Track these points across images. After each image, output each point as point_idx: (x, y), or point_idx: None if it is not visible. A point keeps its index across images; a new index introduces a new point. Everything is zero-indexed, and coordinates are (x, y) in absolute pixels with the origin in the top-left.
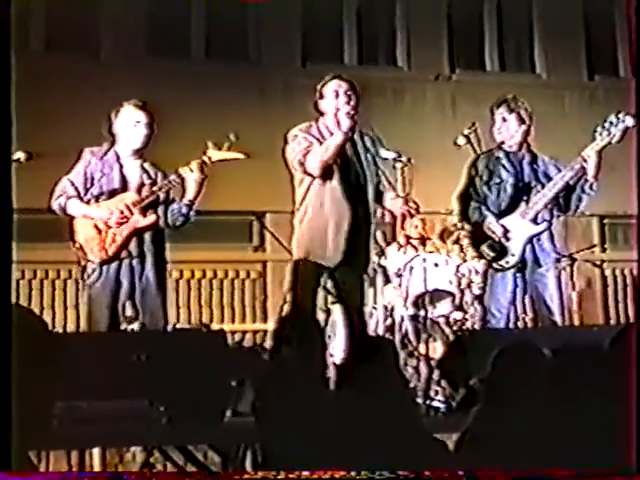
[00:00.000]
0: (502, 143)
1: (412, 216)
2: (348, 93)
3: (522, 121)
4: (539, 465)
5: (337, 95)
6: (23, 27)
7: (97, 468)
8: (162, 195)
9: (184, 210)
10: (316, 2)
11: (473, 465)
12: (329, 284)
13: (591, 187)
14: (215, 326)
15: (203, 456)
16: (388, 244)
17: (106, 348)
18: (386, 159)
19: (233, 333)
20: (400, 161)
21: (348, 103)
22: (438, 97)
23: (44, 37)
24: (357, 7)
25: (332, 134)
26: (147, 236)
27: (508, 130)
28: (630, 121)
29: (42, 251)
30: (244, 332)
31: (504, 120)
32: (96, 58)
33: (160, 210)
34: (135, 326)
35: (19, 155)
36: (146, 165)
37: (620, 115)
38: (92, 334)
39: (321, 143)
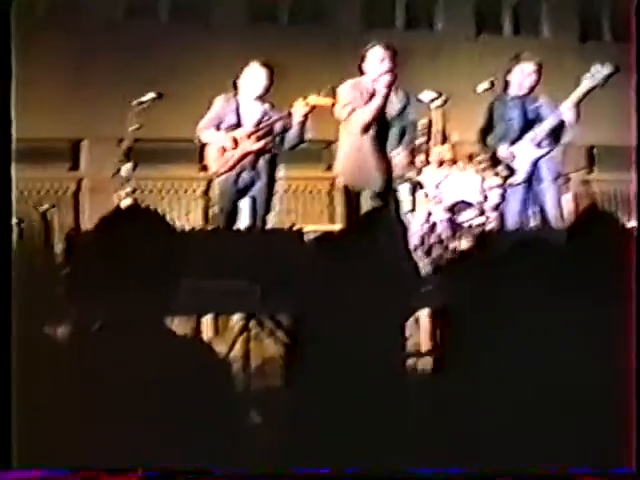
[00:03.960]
0: (515, 88)
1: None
2: (388, 61)
3: (534, 71)
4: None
5: (381, 61)
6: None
7: (210, 330)
8: (277, 127)
9: (297, 132)
10: None
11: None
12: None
13: (570, 127)
14: (295, 226)
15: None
16: (427, 164)
17: (219, 238)
18: (424, 101)
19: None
20: (439, 100)
21: (389, 71)
22: (467, 54)
23: (169, 7)
24: None
25: (373, 92)
26: (262, 158)
27: (521, 78)
28: (609, 68)
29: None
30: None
31: (522, 71)
32: (207, 27)
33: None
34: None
35: (151, 95)
36: (265, 106)
37: (602, 65)
38: (209, 231)
39: (366, 96)
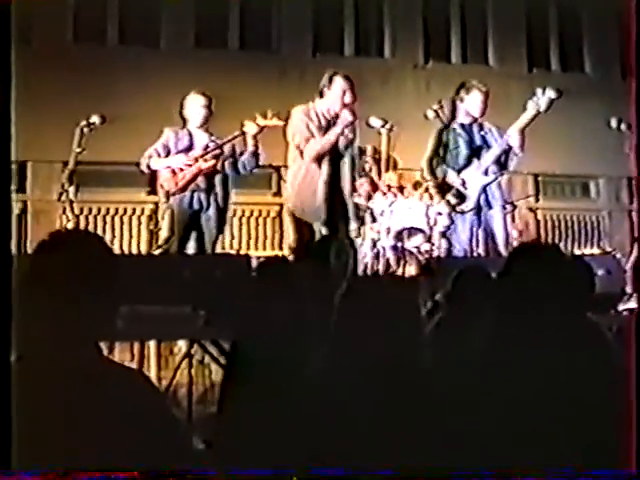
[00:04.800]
0: (462, 116)
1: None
2: (353, 92)
3: (481, 99)
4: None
5: (344, 93)
6: (102, 24)
7: (153, 357)
8: (227, 149)
9: (252, 155)
10: (323, 6)
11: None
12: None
13: (515, 154)
14: (242, 252)
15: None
16: (374, 191)
17: (163, 266)
18: (374, 127)
19: (258, 258)
20: (385, 127)
21: (352, 103)
22: (415, 81)
23: (118, 31)
24: (354, 10)
25: (329, 118)
26: (216, 179)
27: (470, 105)
28: (552, 93)
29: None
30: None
31: (469, 99)
32: (157, 48)
33: (227, 163)
34: (191, 247)
35: (95, 118)
36: (210, 136)
37: (546, 90)
38: (155, 256)
39: (319, 124)
